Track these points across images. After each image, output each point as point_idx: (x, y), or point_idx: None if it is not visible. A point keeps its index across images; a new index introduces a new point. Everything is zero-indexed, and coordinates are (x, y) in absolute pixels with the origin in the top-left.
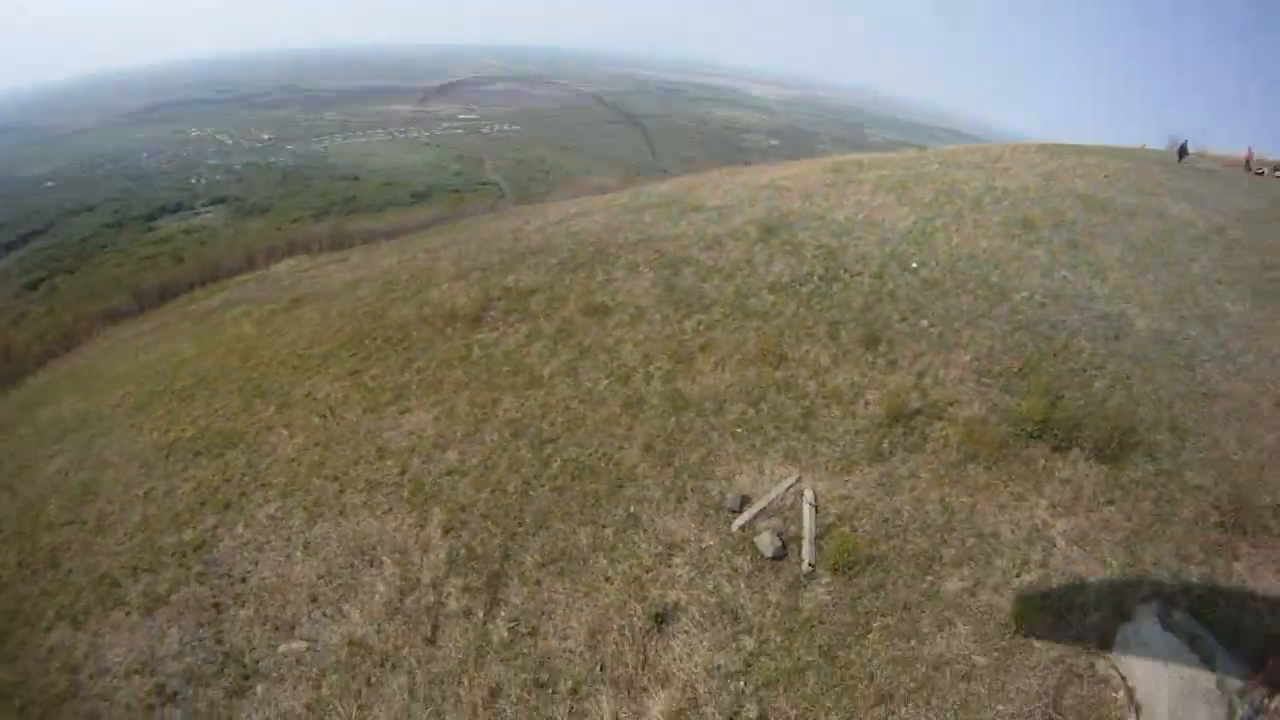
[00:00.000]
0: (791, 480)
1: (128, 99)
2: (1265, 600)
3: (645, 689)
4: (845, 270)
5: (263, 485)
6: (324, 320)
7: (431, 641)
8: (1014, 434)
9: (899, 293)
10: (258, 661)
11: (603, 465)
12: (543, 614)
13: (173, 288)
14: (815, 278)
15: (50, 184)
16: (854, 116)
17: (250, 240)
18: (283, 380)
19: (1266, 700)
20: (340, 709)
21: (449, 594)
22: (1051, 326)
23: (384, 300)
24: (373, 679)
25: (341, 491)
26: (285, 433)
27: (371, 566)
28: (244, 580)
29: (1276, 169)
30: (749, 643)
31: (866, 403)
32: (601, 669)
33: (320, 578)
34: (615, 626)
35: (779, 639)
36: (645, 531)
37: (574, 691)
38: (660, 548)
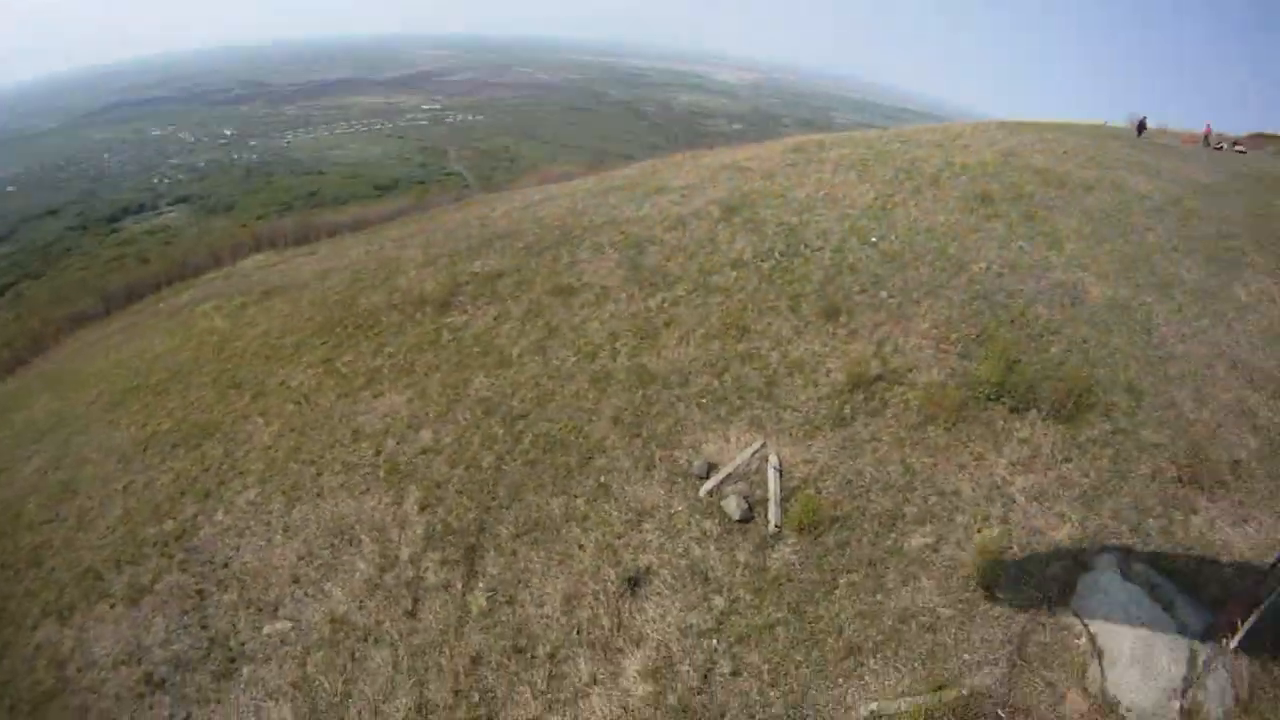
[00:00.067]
0: (756, 446)
1: (88, 99)
2: (1223, 550)
3: (621, 650)
4: (806, 246)
5: (241, 473)
6: (295, 310)
7: (412, 615)
8: (972, 397)
9: (859, 266)
10: (243, 644)
11: (573, 438)
12: (519, 583)
13: (139, 289)
14: (777, 253)
15: (11, 189)
16: (819, 100)
17: (215, 238)
18: (256, 370)
19: (1226, 641)
20: (326, 684)
21: (428, 568)
22: (1008, 295)
23: (353, 289)
24: (356, 654)
25: (319, 475)
26: (261, 421)
27: (351, 545)
28: (226, 566)
29: (1235, 144)
30: (719, 602)
31: (828, 371)
32: (578, 633)
33: (301, 559)
34: (590, 592)
35: (749, 597)
36: (616, 500)
37: (552, 656)
38: (631, 515)
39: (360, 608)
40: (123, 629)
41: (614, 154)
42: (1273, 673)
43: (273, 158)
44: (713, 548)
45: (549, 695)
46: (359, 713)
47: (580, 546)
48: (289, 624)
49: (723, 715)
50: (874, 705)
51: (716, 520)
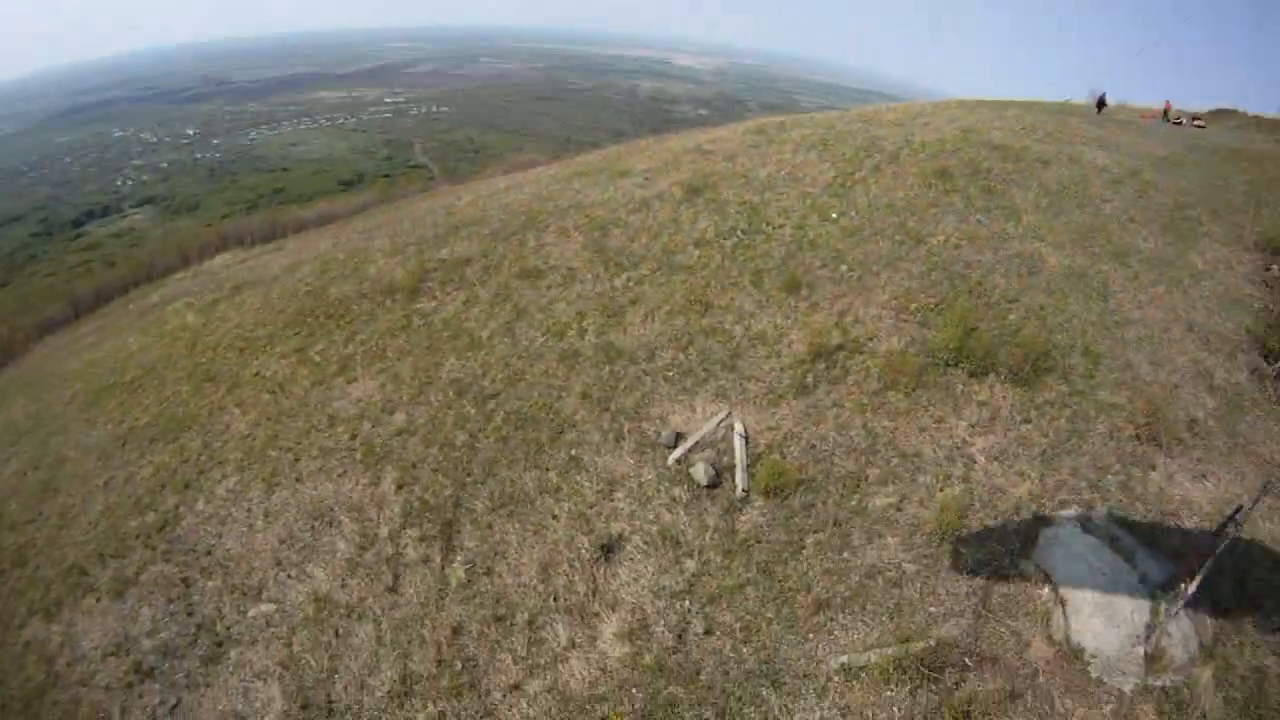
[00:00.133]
0: (722, 416)
1: (48, 102)
2: (1183, 504)
3: (597, 614)
4: (768, 223)
5: (220, 463)
6: (266, 303)
7: (393, 590)
8: (931, 363)
9: (820, 242)
10: (229, 628)
11: (543, 414)
12: (496, 554)
13: (107, 292)
14: (739, 232)
15: None
16: (785, 84)
17: (182, 238)
18: (230, 363)
19: (1185, 586)
20: (312, 662)
21: (406, 544)
22: (966, 266)
23: (323, 280)
24: (340, 631)
25: (296, 460)
26: (237, 411)
27: (331, 527)
28: (209, 553)
29: (1194, 119)
30: (691, 565)
31: (790, 342)
32: (555, 600)
33: (282, 542)
34: (565, 560)
35: (719, 559)
36: (587, 471)
37: (531, 622)
38: (602, 485)
39: (342, 586)
40: (110, 621)
41: (579, 142)
42: (1235, 619)
43: (236, 156)
44: (682, 513)
45: (529, 660)
46: (345, 687)
47: (554, 517)
48: (273, 606)
49: (698, 673)
50: (844, 658)
51: (685, 487)
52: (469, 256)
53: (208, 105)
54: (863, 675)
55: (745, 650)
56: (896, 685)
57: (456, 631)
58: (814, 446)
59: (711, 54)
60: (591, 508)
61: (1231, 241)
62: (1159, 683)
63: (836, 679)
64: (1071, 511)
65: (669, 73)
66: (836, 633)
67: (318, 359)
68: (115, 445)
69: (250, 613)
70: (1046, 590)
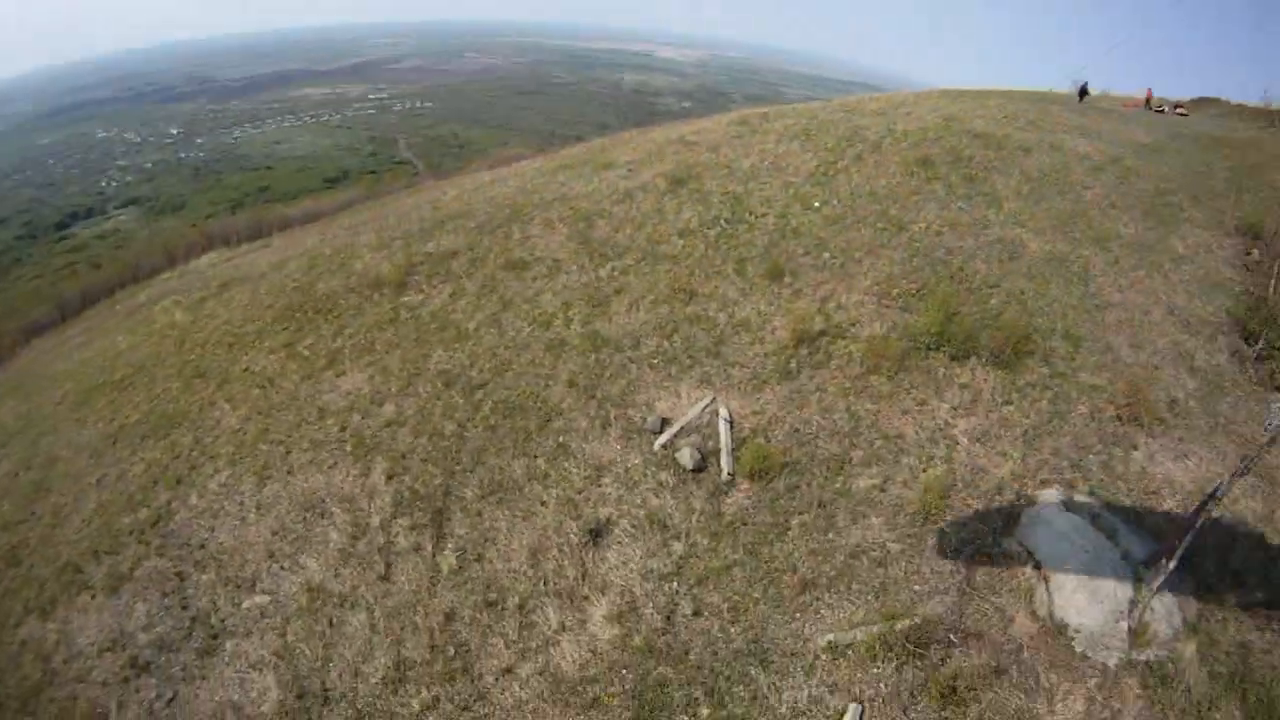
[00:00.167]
0: (707, 401)
1: (30, 105)
2: (1164, 483)
3: (587, 597)
4: (751, 213)
5: (211, 457)
6: (254, 300)
7: (386, 578)
8: (913, 347)
9: (802, 230)
10: (224, 620)
11: (531, 403)
12: (486, 541)
13: (93, 294)
14: (722, 221)
15: None
16: (769, 76)
17: (167, 239)
18: (220, 359)
19: (1165, 562)
20: (307, 651)
21: (398, 533)
22: (948, 252)
23: (310, 275)
24: (334, 620)
25: (288, 453)
26: (228, 406)
27: (323, 518)
28: (203, 547)
29: (1177, 107)
30: (678, 547)
31: (773, 329)
32: (545, 584)
33: (275, 534)
34: (554, 545)
35: (705, 542)
36: (575, 458)
37: (521, 607)
38: (590, 471)
39: (335, 576)
40: (105, 617)
41: (564, 135)
42: (1218, 595)
43: (221, 155)
44: (669, 497)
45: (520, 644)
46: (340, 675)
47: (543, 503)
48: (267, 597)
49: (687, 653)
50: (830, 636)
51: (671, 471)
52: (455, 250)
53: (191, 104)
54: (849, 653)
55: (733, 630)
56: (883, 662)
57: (449, 617)
58: (798, 430)
59: (695, 46)
60: (579, 493)
61: (1213, 226)
62: (1143, 657)
63: (823, 657)
64: (1054, 491)
65: (652, 65)
66: (823, 611)
67: (306, 353)
68: (106, 443)
69: (244, 604)
70: (1029, 567)
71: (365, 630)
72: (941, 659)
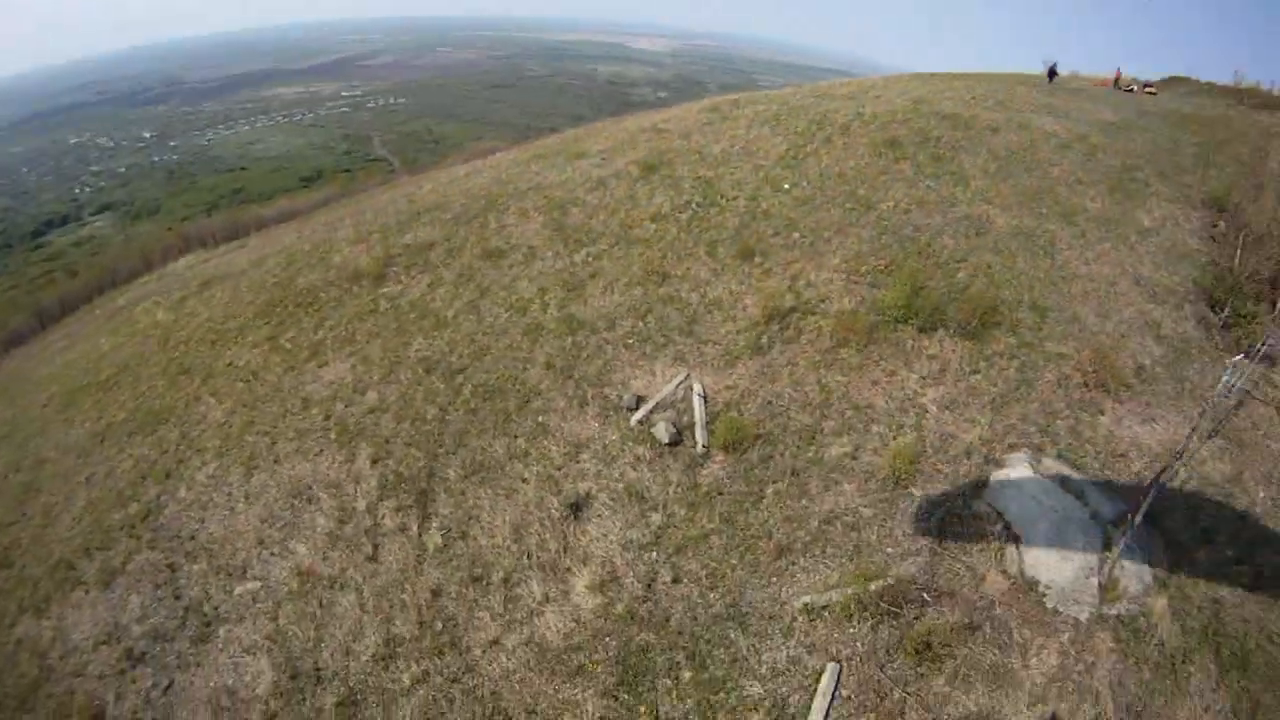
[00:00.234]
0: (681, 378)
1: (1, 113)
2: (1132, 445)
3: (569, 569)
4: (722, 196)
5: (198, 451)
6: (235, 297)
7: (373, 559)
8: (882, 321)
9: (772, 211)
10: (216, 608)
11: (510, 385)
12: (470, 519)
13: (72, 301)
14: (694, 205)
15: None
16: (744, 65)
17: (144, 243)
18: (203, 355)
19: (1132, 518)
20: (298, 633)
21: (384, 515)
22: (915, 229)
23: (290, 271)
24: (324, 601)
25: (273, 443)
26: (213, 401)
27: (310, 504)
28: (193, 538)
29: (1146, 86)
30: (656, 518)
31: (745, 307)
32: (528, 558)
33: (264, 522)
34: (536, 520)
35: (683, 512)
36: (553, 436)
37: (506, 581)
38: (569, 448)
39: (324, 559)
40: (99, 611)
41: (538, 128)
42: (1188, 552)
43: (194, 157)
44: (646, 470)
45: (506, 616)
46: (332, 654)
47: (524, 480)
48: (258, 583)
49: (668, 619)
50: (806, 599)
51: (648, 446)
52: (432, 240)
53: (163, 107)
54: (825, 614)
55: (712, 596)
56: (858, 622)
57: (436, 594)
58: (770, 403)
59: (670, 36)
60: (559, 470)
61: (1180, 200)
62: (1114, 612)
63: (801, 618)
64: (1022, 455)
65: (628, 56)
66: (798, 575)
67: (289, 346)
68: (94, 442)
69: (236, 591)
70: (999, 527)
71: (355, 610)
72: (915, 617)
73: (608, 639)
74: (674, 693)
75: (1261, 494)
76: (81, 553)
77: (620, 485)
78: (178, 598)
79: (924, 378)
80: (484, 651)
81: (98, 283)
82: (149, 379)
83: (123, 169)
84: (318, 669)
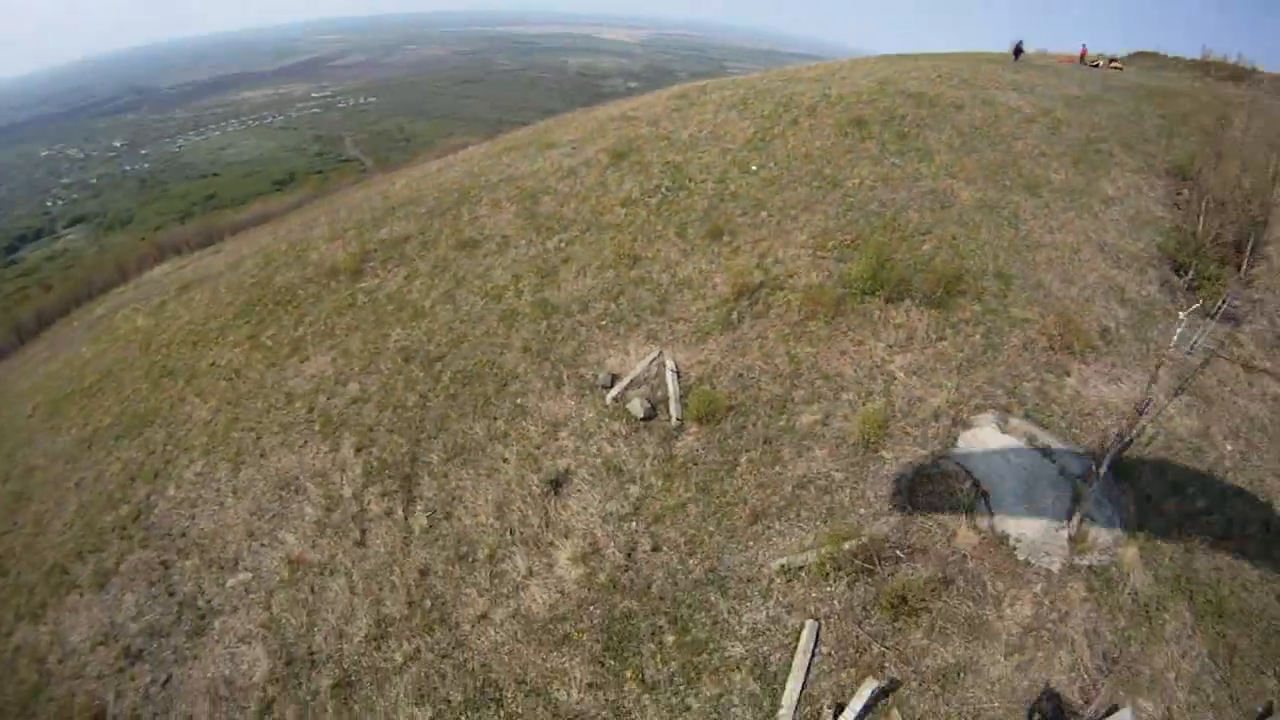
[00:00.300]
0: (654, 355)
1: None
2: (1099, 404)
3: (552, 543)
4: (690, 180)
5: (185, 449)
6: (214, 298)
7: (361, 544)
8: (849, 293)
9: (740, 192)
10: (210, 601)
11: (488, 370)
12: (454, 500)
13: (49, 315)
14: (663, 190)
15: None
16: (715, 52)
17: (119, 253)
18: (186, 357)
19: (1097, 468)
20: (291, 619)
21: (370, 501)
22: (881, 204)
23: (268, 270)
24: (315, 587)
25: (259, 438)
26: (197, 400)
27: (298, 495)
28: (184, 535)
29: (1112, 61)
30: (635, 490)
31: (714, 285)
32: (512, 534)
33: (253, 515)
34: (518, 497)
35: (660, 483)
36: (532, 416)
37: (491, 557)
38: (547, 427)
39: (313, 546)
40: (95, 613)
41: (510, 122)
42: (1158, 504)
43: (165, 165)
44: (623, 445)
45: (493, 592)
46: (325, 638)
47: (504, 460)
48: (250, 574)
49: (649, 586)
50: (783, 560)
51: (624, 421)
52: (407, 234)
53: (133, 115)
54: (802, 574)
55: (691, 562)
56: (834, 580)
57: (423, 573)
58: (741, 375)
59: (641, 25)
60: (538, 448)
61: (1144, 170)
62: (1085, 562)
63: (778, 580)
64: (989, 416)
65: (598, 47)
66: (774, 539)
67: (270, 343)
68: (82, 448)
69: (229, 583)
70: (968, 485)
71: (346, 594)
72: (890, 574)
73: (592, 608)
74: (658, 656)
75: (1229, 447)
76: (75, 556)
77: (598, 460)
78: (172, 594)
79: (891, 346)
80: (473, 626)
81: (74, 295)
82: (132, 383)
83: (94, 180)
84: (312, 653)
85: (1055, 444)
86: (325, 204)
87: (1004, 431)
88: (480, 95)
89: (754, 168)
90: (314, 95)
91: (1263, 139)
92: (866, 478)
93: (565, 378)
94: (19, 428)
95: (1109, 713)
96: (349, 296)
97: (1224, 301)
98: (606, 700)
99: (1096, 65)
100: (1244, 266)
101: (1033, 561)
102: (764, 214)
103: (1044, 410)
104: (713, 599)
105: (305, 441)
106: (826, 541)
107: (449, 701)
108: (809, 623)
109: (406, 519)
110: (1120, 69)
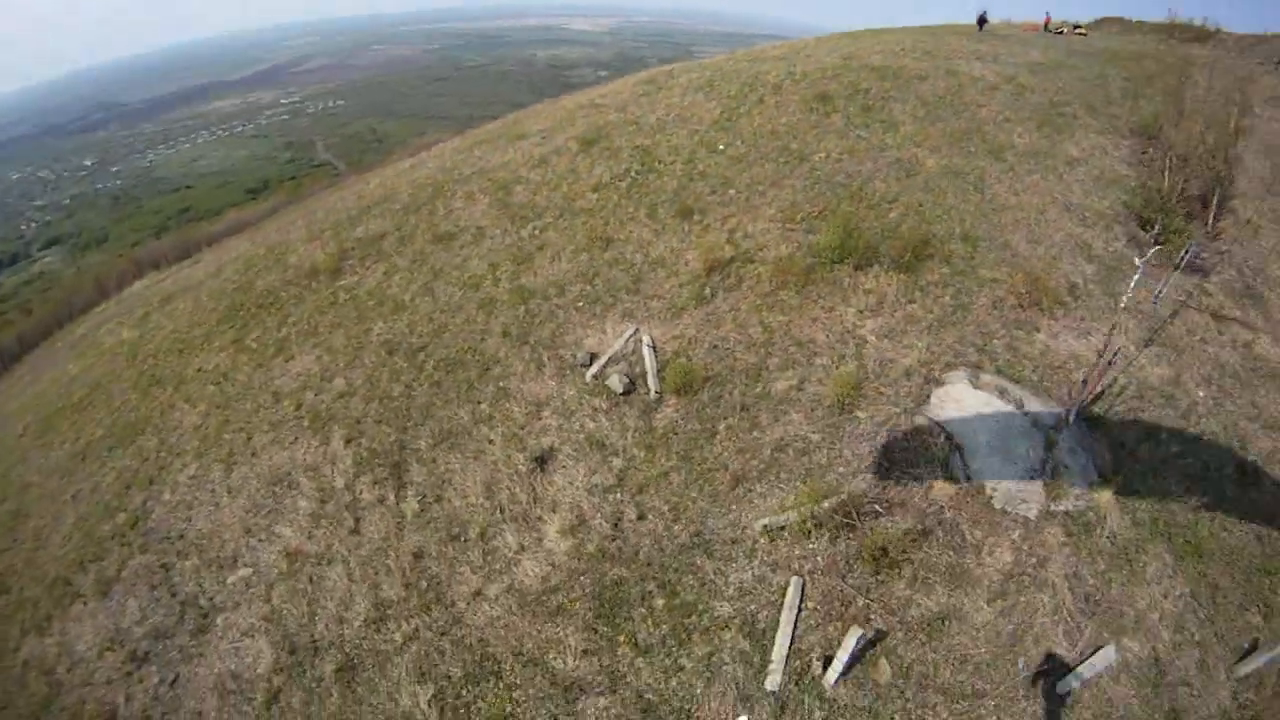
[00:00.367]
0: (630, 332)
1: None
2: (1069, 358)
3: (540, 518)
4: (659, 162)
5: (178, 454)
6: (197, 306)
7: (356, 532)
8: (819, 263)
9: (709, 172)
10: (212, 599)
11: (470, 357)
12: (443, 483)
13: (30, 338)
14: (633, 173)
15: None
16: (682, 38)
17: (96, 272)
18: (172, 365)
19: (1068, 414)
20: (292, 610)
21: (362, 490)
22: (848, 176)
23: (248, 275)
24: (314, 577)
25: (250, 438)
26: (187, 406)
27: (291, 489)
28: (182, 537)
29: (1076, 27)
30: (618, 462)
31: (686, 262)
32: (501, 512)
33: (249, 512)
34: (505, 476)
35: (642, 454)
36: (514, 398)
37: (482, 535)
38: (530, 407)
39: (309, 538)
40: (100, 620)
41: (481, 117)
42: (1131, 450)
43: (138, 180)
44: (604, 419)
45: (486, 569)
46: (326, 625)
47: (490, 442)
48: (249, 569)
49: (637, 553)
50: (765, 521)
51: (604, 397)
52: (384, 231)
53: (102, 133)
54: (784, 533)
55: (676, 528)
56: (816, 537)
57: (418, 556)
58: (716, 347)
59: (607, 14)
60: (523, 428)
61: (1108, 131)
62: (1061, 508)
63: (761, 540)
64: (960, 372)
65: (566, 38)
66: (756, 501)
67: (255, 345)
68: (75, 461)
69: (229, 580)
70: (942, 439)
71: (344, 581)
72: (870, 528)
73: (582, 578)
74: (649, 620)
75: (1201, 394)
76: (76, 567)
77: (581, 436)
78: (174, 595)
79: (862, 311)
80: (468, 603)
81: (54, 317)
82: (121, 394)
83: (67, 200)
84: (314, 641)
85: (1027, 396)
86: (301, 208)
87: (976, 387)
88: (450, 92)
89: (721, 147)
90: (282, 101)
91: (1225, 96)
92: (843, 438)
93: (545, 359)
94: (11, 448)
95: (1093, 652)
96: (330, 295)
97: (1186, 251)
98: (602, 665)
99: (1061, 32)
100: (1210, 220)
101: (1009, 510)
102: (732, 191)
103: (1015, 365)
104: (699, 562)
105: (295, 437)
106: (806, 500)
107: (449, 677)
108: (794, 579)
109: (398, 505)
110: (1085, 34)
